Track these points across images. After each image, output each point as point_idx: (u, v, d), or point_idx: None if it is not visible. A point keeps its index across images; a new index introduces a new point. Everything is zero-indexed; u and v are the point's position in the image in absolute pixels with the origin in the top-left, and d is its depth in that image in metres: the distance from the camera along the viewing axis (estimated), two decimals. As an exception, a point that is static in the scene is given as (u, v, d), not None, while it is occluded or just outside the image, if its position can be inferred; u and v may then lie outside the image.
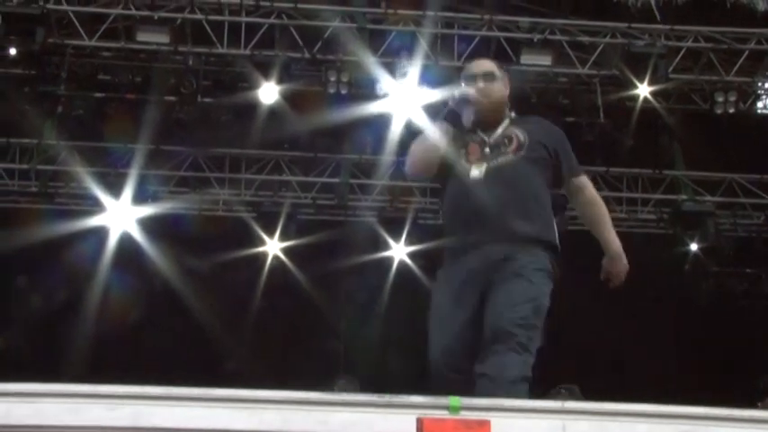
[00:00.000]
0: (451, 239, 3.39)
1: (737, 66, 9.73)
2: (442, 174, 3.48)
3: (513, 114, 3.55)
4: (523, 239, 3.26)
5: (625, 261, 3.42)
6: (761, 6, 8.59)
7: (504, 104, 3.54)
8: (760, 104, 10.44)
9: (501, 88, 3.52)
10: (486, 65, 3.58)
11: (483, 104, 3.43)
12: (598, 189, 10.34)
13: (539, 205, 3.36)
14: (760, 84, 10.19)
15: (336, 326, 11.41)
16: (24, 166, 10.31)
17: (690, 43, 9.75)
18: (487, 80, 3.48)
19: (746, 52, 9.73)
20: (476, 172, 3.34)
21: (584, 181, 3.53)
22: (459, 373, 3.18)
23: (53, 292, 10.65)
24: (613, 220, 3.50)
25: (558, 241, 3.40)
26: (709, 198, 10.70)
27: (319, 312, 10.99)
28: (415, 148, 3.56)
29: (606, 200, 10.29)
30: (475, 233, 3.29)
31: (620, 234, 3.50)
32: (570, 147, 3.54)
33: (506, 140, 3.40)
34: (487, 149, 3.39)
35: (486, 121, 3.46)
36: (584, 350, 10.42)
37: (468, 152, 3.40)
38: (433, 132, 3.48)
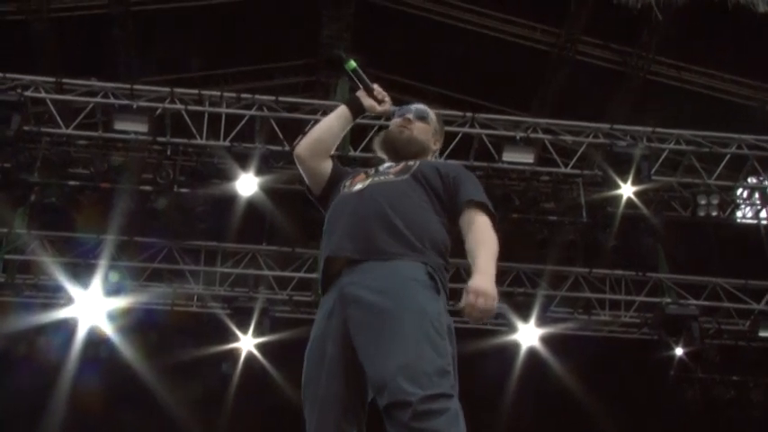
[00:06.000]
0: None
1: (719, 170, 9.73)
2: (327, 199, 3.23)
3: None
4: (389, 253, 2.82)
5: (491, 291, 2.64)
6: (761, 8, 8.57)
7: (423, 150, 3.27)
8: (739, 214, 10.41)
9: (424, 131, 3.30)
10: (423, 107, 3.39)
11: (395, 135, 3.28)
12: (580, 290, 10.37)
13: (409, 222, 2.88)
14: (739, 192, 10.17)
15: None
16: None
17: (672, 145, 9.77)
18: (417, 118, 3.31)
19: (728, 156, 9.74)
20: (351, 189, 3.07)
21: (481, 214, 2.93)
22: None
23: (21, 385, 10.29)
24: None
25: (439, 255, 2.91)
26: (693, 302, 10.49)
27: (294, 411, 10.64)
28: (313, 129, 3.37)
29: (588, 301, 10.28)
30: (337, 246, 2.91)
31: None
32: (475, 182, 3.10)
33: (393, 164, 3.16)
34: (372, 172, 3.14)
35: (396, 155, 3.24)
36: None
37: (353, 181, 3.13)
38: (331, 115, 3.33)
